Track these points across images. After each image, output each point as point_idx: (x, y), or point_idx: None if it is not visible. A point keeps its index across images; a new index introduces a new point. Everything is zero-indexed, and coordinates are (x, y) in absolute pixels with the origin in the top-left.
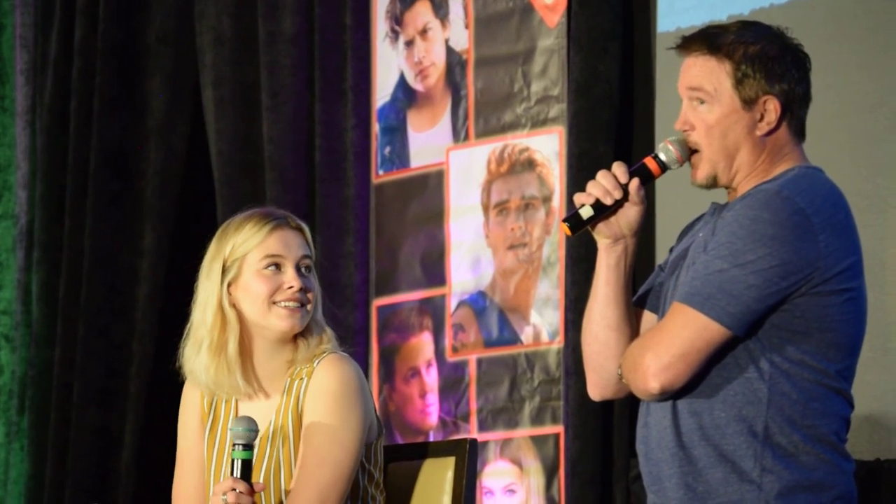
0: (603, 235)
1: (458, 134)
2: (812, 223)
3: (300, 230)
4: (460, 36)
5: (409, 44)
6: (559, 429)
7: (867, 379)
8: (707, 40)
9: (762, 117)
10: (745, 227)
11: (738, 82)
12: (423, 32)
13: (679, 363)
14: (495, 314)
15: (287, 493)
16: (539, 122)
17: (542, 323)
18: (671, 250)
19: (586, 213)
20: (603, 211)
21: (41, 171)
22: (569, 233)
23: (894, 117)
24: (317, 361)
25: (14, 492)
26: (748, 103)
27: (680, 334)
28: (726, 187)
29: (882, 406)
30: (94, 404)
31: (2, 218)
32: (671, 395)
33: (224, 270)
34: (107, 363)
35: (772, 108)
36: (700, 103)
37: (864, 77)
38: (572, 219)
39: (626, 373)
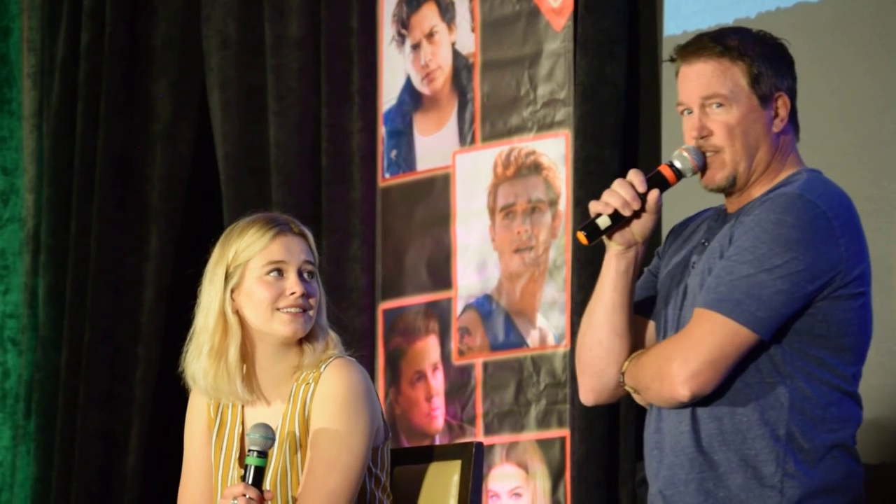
0: (616, 243)
1: (465, 137)
2: (833, 226)
3: (303, 236)
4: (467, 39)
5: (416, 47)
6: (565, 432)
7: (874, 383)
8: (718, 41)
9: (776, 114)
10: (768, 231)
11: (755, 80)
12: (430, 36)
13: (708, 370)
14: (501, 318)
15: (294, 499)
16: (545, 126)
17: (549, 326)
18: (657, 253)
19: (604, 223)
20: (620, 221)
21: (48, 174)
22: (585, 242)
23: None
24: (323, 366)
25: (20, 495)
26: (764, 101)
27: (708, 341)
28: (736, 190)
29: (889, 410)
30: (100, 408)
31: (9, 222)
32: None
33: (227, 276)
34: (112, 367)
35: (783, 103)
36: (716, 107)
37: (870, 80)
38: (588, 227)
39: (646, 381)
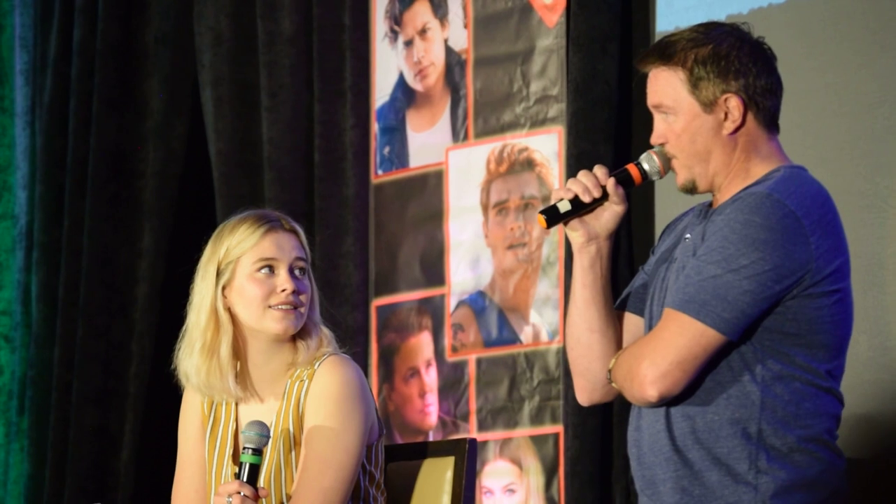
0: (578, 234)
1: (458, 134)
2: (802, 225)
3: (294, 232)
4: (459, 36)
5: (409, 44)
6: (559, 428)
7: (867, 378)
8: (659, 51)
9: (726, 116)
10: (736, 231)
11: (694, 87)
12: (423, 32)
13: (676, 370)
14: (495, 314)
15: (289, 496)
16: (538, 122)
17: (542, 322)
18: (653, 251)
19: (563, 207)
20: (581, 208)
21: (40, 171)
22: (544, 225)
23: (894, 117)
24: (317, 364)
25: (14, 492)
26: (708, 105)
27: (676, 342)
28: (709, 191)
29: (881, 405)
30: (94, 405)
31: (1, 218)
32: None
33: (218, 273)
34: (106, 363)
35: (734, 105)
36: (665, 116)
37: (863, 76)
38: (549, 211)
39: (619, 380)
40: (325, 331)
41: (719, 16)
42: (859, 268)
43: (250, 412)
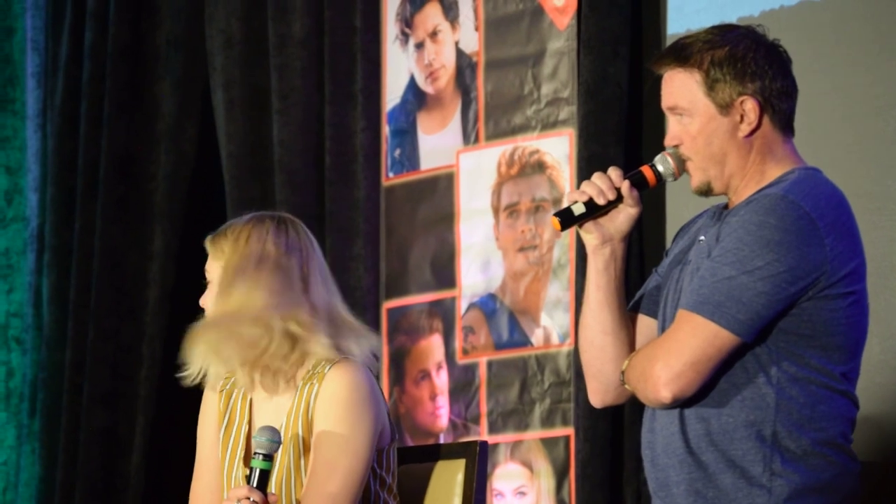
0: (592, 236)
1: (469, 136)
2: (818, 227)
3: (216, 242)
4: (470, 38)
5: (419, 46)
6: (569, 431)
7: (878, 381)
8: (675, 53)
9: (742, 118)
10: (751, 233)
11: (710, 89)
12: (433, 35)
13: (690, 372)
14: (505, 316)
15: (298, 501)
16: (549, 125)
17: (553, 325)
18: (666, 253)
19: (578, 209)
20: (595, 210)
21: (52, 174)
22: (558, 228)
23: None
24: (328, 367)
25: (25, 494)
26: (724, 108)
27: (690, 343)
28: (724, 194)
29: (893, 408)
30: (104, 407)
31: (13, 221)
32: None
33: None
34: (116, 366)
35: (750, 107)
36: (680, 117)
37: (873, 79)
38: (563, 214)
39: (633, 382)
40: (326, 338)
41: (730, 18)
42: (870, 270)
43: (263, 413)
